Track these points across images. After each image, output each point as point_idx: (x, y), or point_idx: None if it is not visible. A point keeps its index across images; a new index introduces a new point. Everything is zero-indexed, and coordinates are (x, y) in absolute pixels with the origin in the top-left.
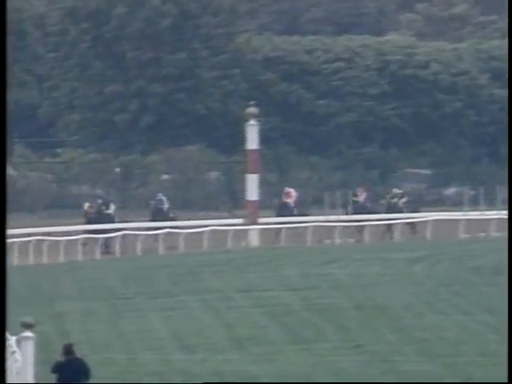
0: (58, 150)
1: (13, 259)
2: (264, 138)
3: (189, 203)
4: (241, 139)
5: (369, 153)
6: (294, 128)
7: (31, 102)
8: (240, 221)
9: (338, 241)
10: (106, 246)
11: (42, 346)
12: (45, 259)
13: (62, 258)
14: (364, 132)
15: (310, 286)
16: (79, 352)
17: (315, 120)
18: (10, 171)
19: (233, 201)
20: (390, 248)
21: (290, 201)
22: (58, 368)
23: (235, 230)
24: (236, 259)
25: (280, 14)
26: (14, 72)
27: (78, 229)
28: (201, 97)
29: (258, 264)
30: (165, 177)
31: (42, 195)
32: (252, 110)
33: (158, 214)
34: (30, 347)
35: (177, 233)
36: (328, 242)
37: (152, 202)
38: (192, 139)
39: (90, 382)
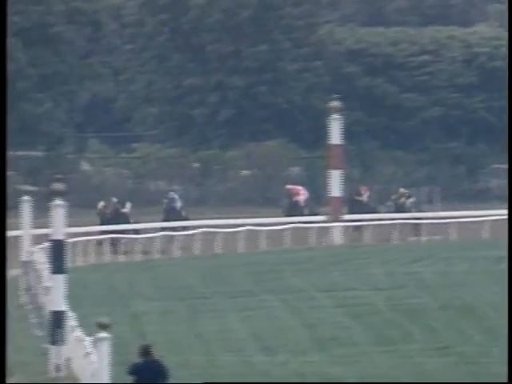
0: (135, 145)
1: (89, 257)
2: (347, 133)
3: (268, 200)
4: (323, 134)
5: (455, 148)
6: (379, 122)
7: (107, 95)
8: (322, 218)
9: (423, 238)
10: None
11: (118, 347)
12: (121, 257)
13: (138, 257)
14: (451, 126)
15: (395, 286)
16: (157, 353)
17: (400, 114)
18: (85, 167)
19: (315, 197)
20: (477, 246)
21: (300, 199)
22: (135, 370)
23: (318, 227)
24: (318, 257)
25: (363, 5)
26: (89, 64)
27: (154, 226)
28: (282, 90)
29: (341, 262)
30: (244, 173)
31: (117, 191)
32: (335, 103)
33: (171, 214)
34: (105, 348)
35: (257, 230)
36: (413, 239)
37: (165, 200)
38: (273, 134)
39: None
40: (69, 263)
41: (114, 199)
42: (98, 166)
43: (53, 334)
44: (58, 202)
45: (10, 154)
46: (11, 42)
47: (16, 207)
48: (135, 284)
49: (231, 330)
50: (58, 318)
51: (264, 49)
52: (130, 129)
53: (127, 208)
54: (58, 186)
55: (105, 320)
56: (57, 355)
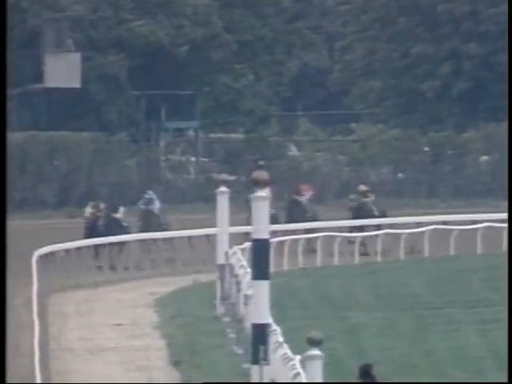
0: (352, 126)
1: (297, 260)
2: None
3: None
4: None
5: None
6: None
7: (319, 66)
8: None
9: None
10: (364, 244)
11: (332, 367)
12: (336, 259)
13: (355, 259)
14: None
15: None
16: (379, 374)
17: None
18: (293, 151)
19: None
20: None
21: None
22: None
23: None
24: None
25: None
26: (298, 29)
27: (380, 222)
28: None
29: None
30: (484, 158)
31: (331, 180)
32: None
33: (148, 218)
34: (317, 368)
35: (498, 228)
36: None
37: (139, 201)
38: None
39: None
40: (273, 267)
41: (102, 204)
42: (308, 151)
43: (255, 351)
44: (261, 193)
45: (203, 136)
46: (205, 5)
47: (211, 200)
48: (352, 291)
49: (467, 347)
50: (260, 333)
51: (505, 10)
52: (346, 106)
53: (120, 213)
54: (261, 175)
55: (316, 334)
56: (259, 376)
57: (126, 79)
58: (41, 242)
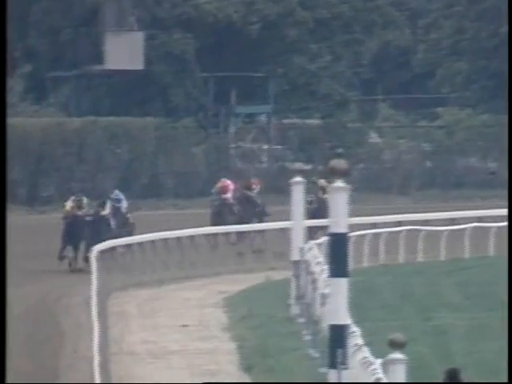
0: (438, 110)
1: (379, 256)
2: None
3: None
4: None
5: None
6: None
7: (402, 45)
8: None
9: None
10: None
11: (416, 371)
12: (420, 256)
13: (442, 255)
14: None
15: None
16: (467, 379)
17: None
18: (374, 138)
19: None
20: None
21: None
22: None
23: None
24: None
25: None
26: (379, 6)
27: (467, 215)
28: None
29: None
30: None
31: (415, 170)
32: None
33: (115, 216)
34: (400, 372)
35: None
36: None
37: (108, 200)
38: None
39: None
40: (352, 263)
41: (85, 199)
42: (389, 138)
43: (332, 354)
44: (339, 184)
45: (276, 122)
46: None
47: (284, 191)
48: (437, 290)
49: None
50: (338, 335)
51: None
52: (431, 89)
53: (107, 210)
54: (339, 164)
55: (399, 337)
56: (337, 382)
57: (193, 60)
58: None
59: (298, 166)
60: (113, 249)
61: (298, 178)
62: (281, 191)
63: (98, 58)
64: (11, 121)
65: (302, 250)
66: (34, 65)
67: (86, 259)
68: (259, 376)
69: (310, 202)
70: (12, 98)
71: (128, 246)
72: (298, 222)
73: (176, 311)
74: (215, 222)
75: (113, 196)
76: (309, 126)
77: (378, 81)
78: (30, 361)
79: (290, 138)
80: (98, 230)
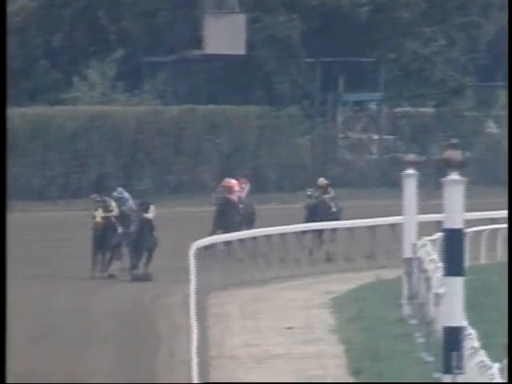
0: None
1: (497, 253)
2: None
3: None
4: None
5: None
6: None
7: None
8: None
9: None
10: None
11: None
12: None
13: None
14: None
15: None
16: None
17: None
18: (492, 128)
19: None
20: None
21: (234, 196)
22: None
23: None
24: None
25: None
26: None
27: None
28: None
29: None
30: None
31: None
32: None
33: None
34: None
35: None
36: None
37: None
38: None
39: None
40: (468, 261)
41: (113, 203)
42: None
43: (447, 358)
44: (455, 176)
45: (387, 111)
46: None
47: (396, 184)
48: None
49: None
50: (453, 337)
51: None
52: None
53: (151, 213)
54: (455, 155)
55: None
56: None
57: (298, 44)
58: (199, 231)
59: (411, 157)
60: (213, 245)
61: (411, 171)
62: (392, 184)
63: (197, 42)
64: (103, 109)
65: (414, 246)
66: (127, 49)
67: (135, 267)
68: (368, 381)
69: (308, 202)
70: (104, 84)
71: (228, 242)
72: (410, 217)
73: (280, 312)
74: (219, 225)
75: (115, 194)
76: (422, 115)
77: (496, 66)
78: (124, 364)
79: (401, 127)
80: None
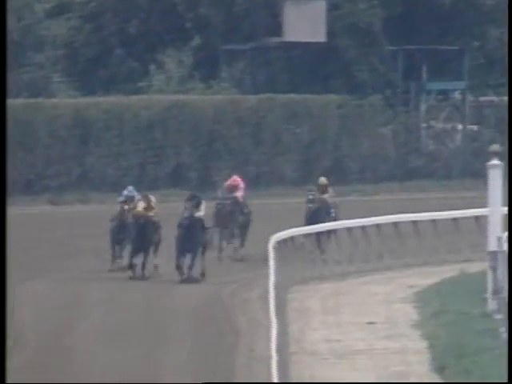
0: None
1: None
2: None
3: None
4: None
5: None
6: None
7: None
8: None
9: None
10: None
11: None
12: None
13: None
14: None
15: None
16: None
17: None
18: None
19: None
20: None
21: (239, 194)
22: None
23: None
24: None
25: None
26: None
27: None
28: None
29: None
30: None
31: None
32: None
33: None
34: None
35: None
36: None
37: (120, 198)
38: None
39: None
40: None
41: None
42: None
43: None
44: None
45: (472, 100)
46: None
47: (480, 175)
48: None
49: None
50: None
51: None
52: None
53: (202, 211)
54: None
55: None
56: None
57: (380, 32)
58: (279, 224)
59: (496, 147)
60: (292, 238)
61: (496, 161)
62: (476, 175)
63: (276, 29)
64: (180, 98)
65: (500, 239)
66: (205, 37)
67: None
68: (452, 377)
69: (311, 201)
70: (181, 73)
71: (308, 235)
72: (495, 209)
73: (361, 307)
74: (223, 222)
75: (126, 193)
76: (507, 104)
77: None
78: (202, 361)
79: (486, 116)
80: (198, 235)
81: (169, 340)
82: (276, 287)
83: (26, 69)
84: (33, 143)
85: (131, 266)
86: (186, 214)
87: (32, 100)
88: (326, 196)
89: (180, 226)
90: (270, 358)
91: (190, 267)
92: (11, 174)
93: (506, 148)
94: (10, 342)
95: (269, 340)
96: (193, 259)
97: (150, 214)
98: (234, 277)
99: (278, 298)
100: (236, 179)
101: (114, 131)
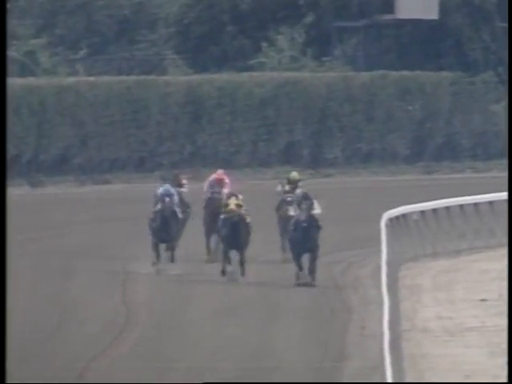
0: None
1: None
2: None
3: None
4: None
5: None
6: None
7: None
8: None
9: None
10: None
11: None
12: None
13: None
14: None
15: None
16: None
17: None
18: None
19: None
20: None
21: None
22: None
23: None
24: None
25: None
26: None
27: None
28: None
29: None
30: None
31: None
32: None
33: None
34: None
35: None
36: None
37: (157, 195)
38: None
39: None
40: None
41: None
42: None
43: None
44: None
45: None
46: None
47: None
48: None
49: None
50: None
51: None
52: None
53: (318, 209)
54: None
55: None
56: None
57: (492, 9)
58: (391, 201)
59: None
60: (404, 216)
61: None
62: None
63: (389, 6)
64: (292, 75)
65: None
66: (317, 14)
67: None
68: None
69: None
70: (293, 50)
71: (422, 212)
72: None
73: (474, 284)
74: (213, 217)
75: (161, 191)
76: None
77: None
78: (314, 337)
79: None
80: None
81: (283, 317)
82: (388, 264)
83: (139, 46)
84: (145, 120)
85: (226, 260)
86: (303, 217)
87: (144, 77)
88: (299, 192)
89: (296, 227)
90: (381, 335)
91: (311, 271)
92: (124, 152)
93: None
94: (121, 319)
95: (380, 317)
96: (312, 261)
97: (242, 211)
98: (345, 254)
99: (389, 275)
100: (222, 174)
101: (227, 108)
